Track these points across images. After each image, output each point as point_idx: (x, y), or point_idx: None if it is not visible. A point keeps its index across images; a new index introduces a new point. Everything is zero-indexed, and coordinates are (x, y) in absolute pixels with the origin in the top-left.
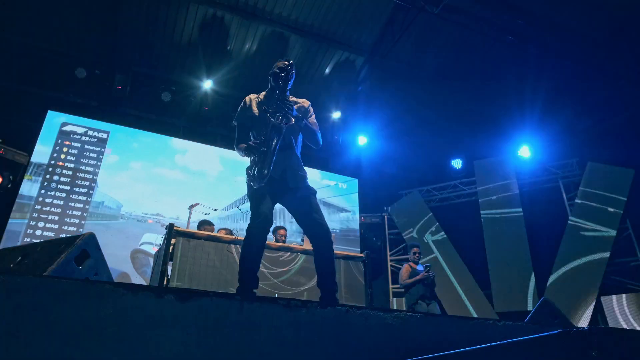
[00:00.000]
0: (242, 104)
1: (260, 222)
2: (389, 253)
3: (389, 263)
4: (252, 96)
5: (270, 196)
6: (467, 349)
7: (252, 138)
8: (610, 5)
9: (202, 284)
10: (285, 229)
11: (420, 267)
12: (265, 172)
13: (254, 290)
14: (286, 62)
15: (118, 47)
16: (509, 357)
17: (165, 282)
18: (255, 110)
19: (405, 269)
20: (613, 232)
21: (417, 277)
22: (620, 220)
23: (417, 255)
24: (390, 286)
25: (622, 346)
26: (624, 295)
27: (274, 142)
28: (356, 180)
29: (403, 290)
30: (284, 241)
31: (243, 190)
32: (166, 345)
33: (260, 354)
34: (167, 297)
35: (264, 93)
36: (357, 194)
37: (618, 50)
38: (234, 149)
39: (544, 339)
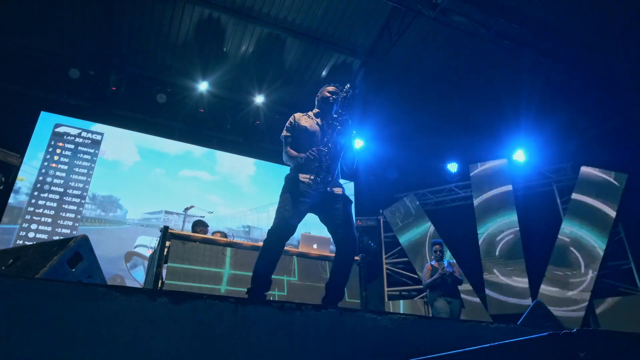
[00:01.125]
0: (291, 119)
1: (288, 232)
2: (384, 256)
3: (385, 266)
4: (301, 115)
5: (310, 206)
6: (458, 350)
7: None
8: (605, 10)
9: (196, 286)
10: None
11: (445, 263)
12: (330, 178)
13: (265, 293)
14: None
15: (112, 47)
16: (498, 359)
17: (159, 285)
18: (311, 123)
19: (426, 269)
20: (606, 236)
21: (435, 277)
22: (612, 224)
23: (438, 253)
24: (386, 289)
25: (609, 348)
26: (615, 298)
27: (338, 151)
28: (352, 184)
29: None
30: None
31: (238, 193)
32: (160, 348)
33: (254, 356)
34: (160, 300)
35: (313, 112)
36: (353, 197)
37: (612, 55)
38: (231, 152)
39: (533, 340)
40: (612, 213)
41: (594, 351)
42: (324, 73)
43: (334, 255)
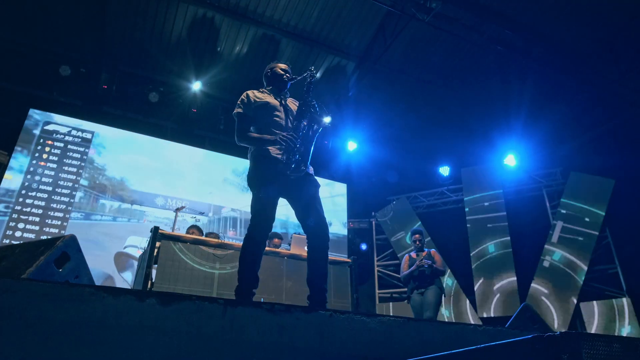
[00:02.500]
0: (245, 97)
1: (269, 224)
2: (376, 258)
3: (376, 268)
4: (255, 91)
5: (279, 192)
6: (445, 353)
7: (255, 129)
8: (596, 19)
9: (186, 288)
10: (281, 238)
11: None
12: (304, 167)
13: (254, 290)
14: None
15: (105, 45)
16: None
17: (149, 286)
18: (269, 98)
19: (404, 261)
20: (593, 240)
21: (412, 268)
22: (600, 229)
23: (417, 243)
24: (377, 291)
25: (591, 350)
26: (602, 302)
27: (313, 133)
28: (345, 185)
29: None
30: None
31: (230, 195)
32: (147, 349)
33: (243, 358)
34: (149, 301)
35: (267, 90)
36: (345, 199)
37: (601, 63)
38: (223, 152)
39: (518, 343)
40: (600, 218)
41: (576, 353)
42: (318, 75)
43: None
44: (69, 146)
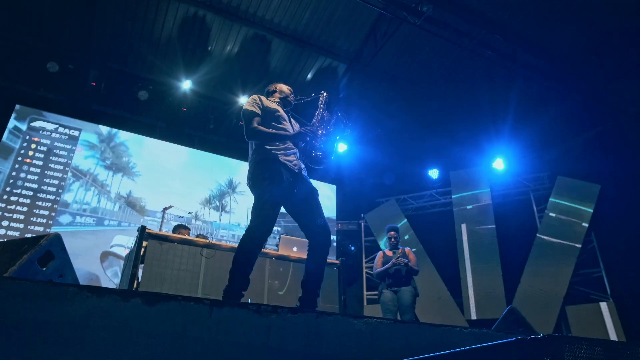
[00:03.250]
0: (257, 98)
1: (269, 230)
2: (364, 260)
3: (365, 270)
4: (263, 97)
5: (283, 199)
6: (429, 355)
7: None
8: (584, 25)
9: (173, 288)
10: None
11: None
12: (324, 157)
13: (243, 292)
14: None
15: (93, 42)
16: None
17: (135, 286)
18: (279, 108)
19: (378, 257)
20: (579, 244)
21: (387, 265)
22: (585, 233)
23: (393, 240)
24: (365, 293)
25: (572, 352)
26: (586, 305)
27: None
28: (334, 187)
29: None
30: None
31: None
32: (131, 349)
33: (229, 359)
34: (133, 301)
35: (275, 100)
36: (334, 201)
37: (588, 69)
38: (213, 152)
39: (503, 345)
40: (585, 222)
41: (558, 356)
42: (309, 76)
43: None
44: (56, 143)
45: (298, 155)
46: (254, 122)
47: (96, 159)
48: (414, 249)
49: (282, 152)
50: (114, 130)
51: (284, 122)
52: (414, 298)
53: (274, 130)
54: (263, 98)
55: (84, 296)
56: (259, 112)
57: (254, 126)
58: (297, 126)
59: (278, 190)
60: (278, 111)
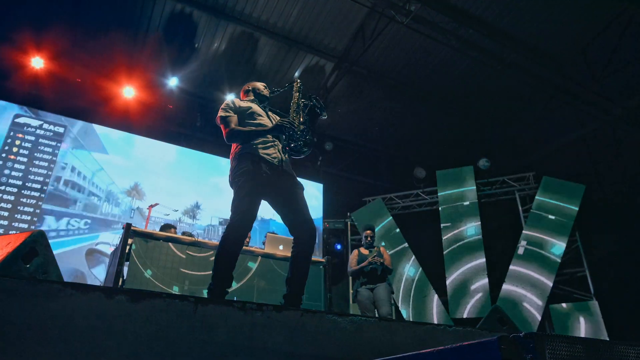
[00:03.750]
0: (230, 102)
1: (249, 225)
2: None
3: None
4: (236, 99)
5: (264, 193)
6: (413, 353)
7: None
8: (571, 28)
9: (158, 286)
10: (250, 236)
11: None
12: (300, 142)
13: (227, 290)
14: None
15: (78, 38)
16: None
17: (120, 283)
18: (253, 105)
19: (352, 255)
20: (563, 244)
21: (363, 264)
22: (570, 233)
23: (369, 239)
24: (351, 292)
25: (553, 350)
26: (570, 304)
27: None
28: (321, 185)
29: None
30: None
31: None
32: (116, 346)
33: (214, 356)
34: (118, 298)
35: (248, 99)
36: (321, 199)
37: (575, 71)
38: (200, 150)
39: (484, 343)
40: (570, 222)
41: (539, 353)
42: (296, 74)
43: None
44: (40, 140)
45: (279, 148)
46: (231, 124)
47: (81, 155)
48: (400, 247)
49: (261, 145)
50: (99, 126)
51: (259, 117)
52: (390, 293)
53: (252, 128)
54: (236, 100)
55: (68, 293)
56: (232, 114)
57: (231, 127)
58: (276, 119)
59: (256, 184)
60: (251, 108)
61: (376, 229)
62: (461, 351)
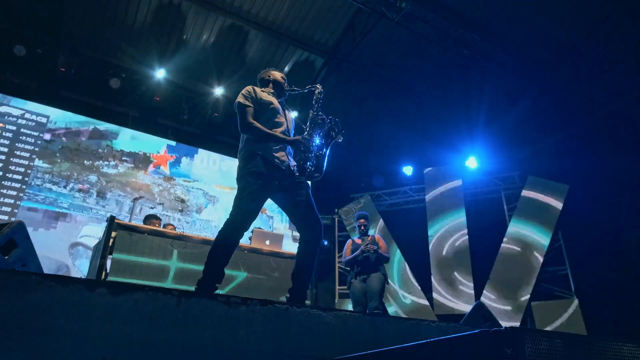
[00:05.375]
0: (252, 90)
1: (249, 223)
2: (337, 255)
3: (337, 265)
4: (258, 88)
5: (268, 195)
6: (395, 347)
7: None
8: (559, 29)
9: (142, 279)
10: None
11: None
12: (318, 174)
13: (217, 285)
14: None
15: (63, 26)
16: (433, 354)
17: (103, 277)
18: (273, 101)
19: (347, 245)
20: (546, 242)
21: (356, 253)
22: (553, 232)
23: (362, 228)
24: (337, 287)
25: (533, 345)
26: (552, 301)
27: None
28: (309, 181)
29: (349, 269)
30: None
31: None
32: (97, 339)
33: (196, 350)
34: (99, 290)
35: (268, 90)
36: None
37: (561, 72)
38: (187, 144)
39: (466, 337)
40: (553, 221)
41: (519, 347)
42: (286, 69)
43: (286, 251)
44: (22, 130)
45: (288, 150)
46: (249, 115)
47: (65, 146)
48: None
49: (274, 147)
50: (85, 118)
51: (279, 116)
52: (383, 285)
53: (270, 131)
54: (257, 89)
55: (47, 285)
56: (252, 104)
57: (249, 121)
58: (290, 118)
59: (263, 186)
60: (272, 104)
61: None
62: (442, 345)
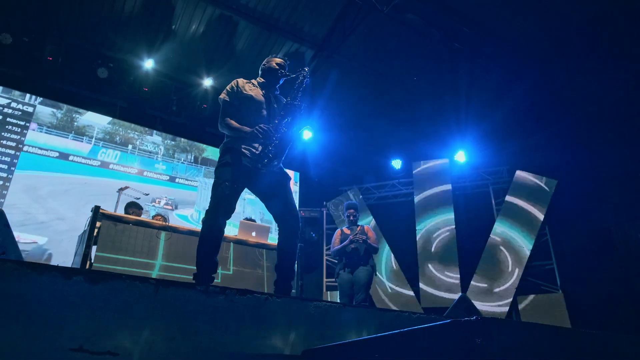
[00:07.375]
0: (234, 85)
1: (229, 211)
2: (325, 247)
3: (325, 257)
4: (245, 81)
5: (246, 184)
6: (366, 337)
7: (237, 120)
8: (549, 23)
9: (126, 270)
10: None
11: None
12: (276, 163)
13: (213, 275)
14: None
15: (50, 14)
16: (406, 343)
17: (87, 267)
18: (256, 93)
19: (335, 235)
20: (533, 237)
21: (345, 243)
22: (540, 227)
23: (351, 218)
24: (325, 280)
25: (502, 335)
26: (537, 295)
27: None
28: (298, 174)
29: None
30: None
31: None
32: (73, 328)
33: (173, 339)
34: (75, 279)
35: (258, 81)
36: (297, 187)
37: (551, 67)
38: (175, 134)
39: (437, 327)
40: (541, 216)
41: (488, 337)
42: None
43: (271, 243)
44: (8, 119)
45: (265, 152)
46: (225, 113)
47: (51, 136)
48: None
49: (243, 140)
50: (71, 107)
51: (260, 108)
52: (370, 277)
53: (238, 126)
54: (241, 82)
55: (23, 272)
56: (230, 99)
57: (222, 118)
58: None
59: (235, 174)
60: (252, 97)
61: None
62: (414, 335)
